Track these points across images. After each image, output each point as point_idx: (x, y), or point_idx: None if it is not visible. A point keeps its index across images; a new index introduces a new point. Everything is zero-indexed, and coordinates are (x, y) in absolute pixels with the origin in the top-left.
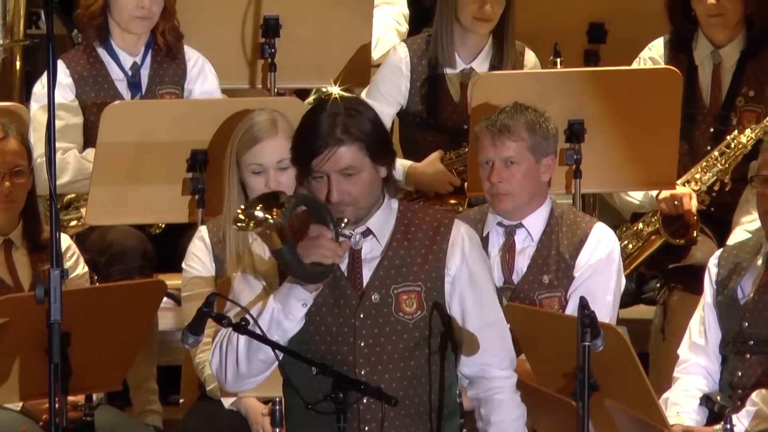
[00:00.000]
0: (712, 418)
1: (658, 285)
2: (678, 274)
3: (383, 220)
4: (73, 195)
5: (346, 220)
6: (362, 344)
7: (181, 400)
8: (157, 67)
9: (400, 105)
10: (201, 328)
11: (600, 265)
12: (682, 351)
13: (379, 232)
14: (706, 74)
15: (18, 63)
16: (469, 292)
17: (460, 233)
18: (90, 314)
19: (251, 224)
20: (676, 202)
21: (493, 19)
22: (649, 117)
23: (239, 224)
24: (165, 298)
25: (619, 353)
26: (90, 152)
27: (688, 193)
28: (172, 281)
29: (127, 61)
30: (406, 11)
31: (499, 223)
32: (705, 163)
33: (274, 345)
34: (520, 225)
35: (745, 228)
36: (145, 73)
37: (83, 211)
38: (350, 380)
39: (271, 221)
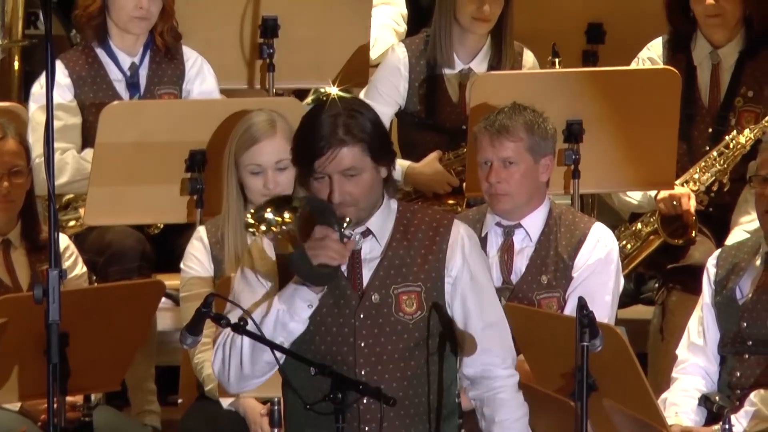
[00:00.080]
0: (711, 419)
1: (657, 285)
2: (676, 275)
3: (383, 220)
4: (71, 195)
5: (348, 220)
6: (362, 344)
7: (179, 401)
8: (155, 68)
9: (399, 105)
10: (199, 328)
11: (598, 266)
12: (681, 351)
13: (379, 232)
14: (704, 74)
15: (16, 63)
16: (470, 293)
17: (460, 233)
18: (88, 314)
19: (262, 228)
20: (674, 203)
21: (491, 19)
22: (647, 117)
23: (251, 229)
24: (163, 299)
25: (617, 353)
26: (88, 152)
27: (686, 193)
28: (170, 281)
29: (126, 61)
30: (405, 11)
31: (498, 224)
32: (704, 164)
33: (272, 345)
34: (519, 225)
35: (743, 228)
36: (143, 74)
37: (82, 211)
38: (349, 380)
39: (285, 228)
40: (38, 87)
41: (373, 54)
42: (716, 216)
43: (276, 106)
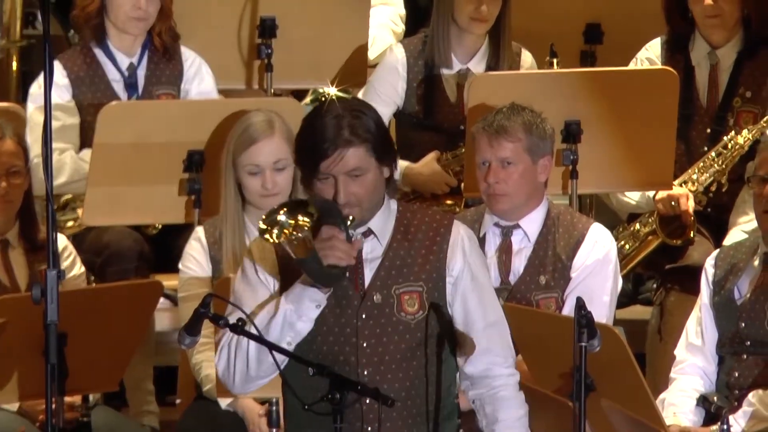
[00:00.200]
0: (709, 419)
1: (655, 285)
2: (675, 275)
3: (384, 220)
4: (69, 195)
5: (351, 218)
6: (365, 344)
7: (177, 401)
8: (153, 68)
9: (397, 105)
10: (197, 328)
11: (597, 266)
12: (679, 351)
13: (380, 232)
14: (703, 75)
15: (14, 63)
16: (471, 292)
17: (460, 234)
18: (87, 315)
19: (274, 232)
20: (673, 203)
21: (489, 19)
22: (645, 118)
23: (265, 235)
24: (162, 299)
25: (615, 354)
26: (87, 153)
27: (685, 193)
28: (168, 282)
29: (124, 61)
30: (403, 12)
31: (496, 224)
32: (702, 164)
33: (271, 346)
34: (517, 226)
35: (741, 228)
36: (141, 74)
37: (80, 211)
38: (347, 381)
39: (301, 235)
40: (36, 87)
41: (372, 54)
42: (714, 216)
43: (274, 107)
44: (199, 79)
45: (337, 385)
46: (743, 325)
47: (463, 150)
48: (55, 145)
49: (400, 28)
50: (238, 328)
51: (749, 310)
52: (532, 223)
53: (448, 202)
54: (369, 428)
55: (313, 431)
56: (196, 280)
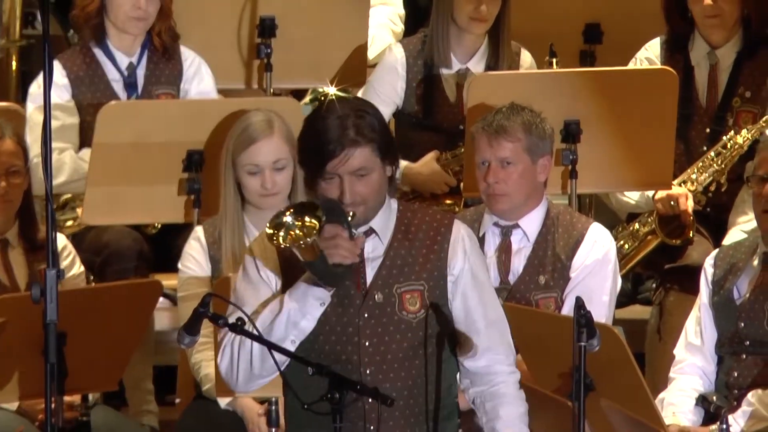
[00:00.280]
0: (708, 419)
1: (654, 285)
2: (674, 275)
3: (385, 219)
4: (69, 195)
5: (352, 213)
6: (367, 344)
7: (177, 400)
8: (153, 68)
9: (396, 105)
10: (197, 328)
11: (596, 266)
12: (678, 351)
13: (382, 231)
14: (702, 75)
15: (14, 63)
16: (472, 290)
17: (461, 233)
18: (86, 314)
19: (281, 235)
20: (672, 203)
21: (488, 19)
22: (645, 117)
23: (274, 240)
24: (161, 298)
25: (615, 353)
26: (86, 152)
27: (684, 193)
28: (168, 281)
29: (124, 61)
30: (402, 11)
31: (496, 224)
32: (701, 164)
33: (271, 345)
34: (516, 225)
35: (741, 228)
36: (141, 74)
37: (79, 211)
38: (346, 380)
39: (309, 240)
40: (36, 87)
41: (371, 54)
42: (714, 216)
43: (273, 106)
44: (199, 79)
45: (336, 384)
46: (742, 324)
47: (463, 150)
48: (54, 144)
49: (400, 27)
50: (238, 328)
51: (748, 309)
52: (531, 223)
53: (448, 201)
54: (371, 427)
55: (314, 431)
56: (196, 279)
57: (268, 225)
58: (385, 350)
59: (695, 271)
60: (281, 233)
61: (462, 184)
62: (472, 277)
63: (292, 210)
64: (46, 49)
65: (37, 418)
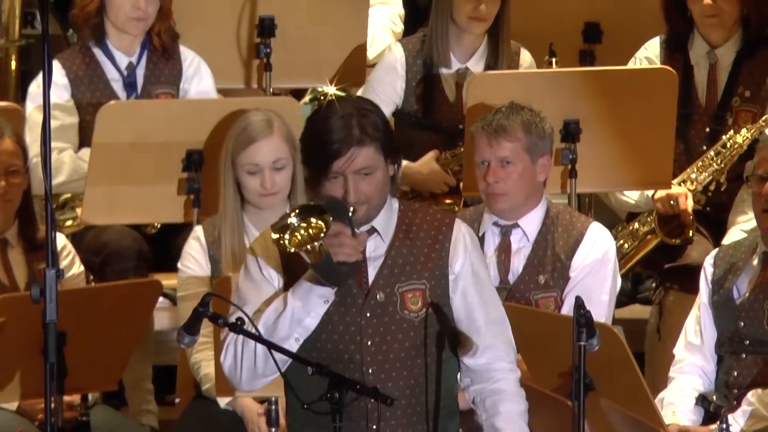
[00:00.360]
0: (708, 418)
1: (654, 285)
2: (674, 274)
3: (387, 218)
4: (68, 195)
5: (353, 209)
6: (369, 343)
7: (176, 400)
8: (152, 67)
9: (396, 105)
10: (196, 328)
11: (596, 265)
12: (678, 351)
13: (384, 230)
14: (701, 74)
15: (13, 63)
16: (472, 288)
17: (462, 231)
18: (86, 314)
19: (286, 237)
20: (671, 202)
21: (488, 18)
22: (644, 117)
23: (281, 242)
24: (161, 298)
25: (614, 353)
26: (85, 152)
27: (683, 192)
28: (167, 281)
29: (123, 60)
30: (402, 11)
31: (495, 223)
32: (701, 163)
33: (270, 345)
34: (516, 225)
35: (740, 228)
36: (140, 73)
37: (79, 210)
38: (346, 380)
39: (317, 244)
40: (35, 86)
41: (371, 54)
42: (713, 215)
43: (273, 106)
44: (198, 79)
45: (336, 384)
46: (742, 324)
47: (462, 149)
48: (54, 144)
49: (399, 27)
50: (237, 328)
51: (748, 309)
52: (531, 223)
53: (447, 201)
54: (374, 426)
55: (315, 430)
56: (195, 279)
57: (273, 230)
58: (387, 349)
59: (695, 270)
60: (287, 236)
61: (461, 184)
62: (472, 275)
63: (297, 211)
64: (45, 48)
65: (37, 417)
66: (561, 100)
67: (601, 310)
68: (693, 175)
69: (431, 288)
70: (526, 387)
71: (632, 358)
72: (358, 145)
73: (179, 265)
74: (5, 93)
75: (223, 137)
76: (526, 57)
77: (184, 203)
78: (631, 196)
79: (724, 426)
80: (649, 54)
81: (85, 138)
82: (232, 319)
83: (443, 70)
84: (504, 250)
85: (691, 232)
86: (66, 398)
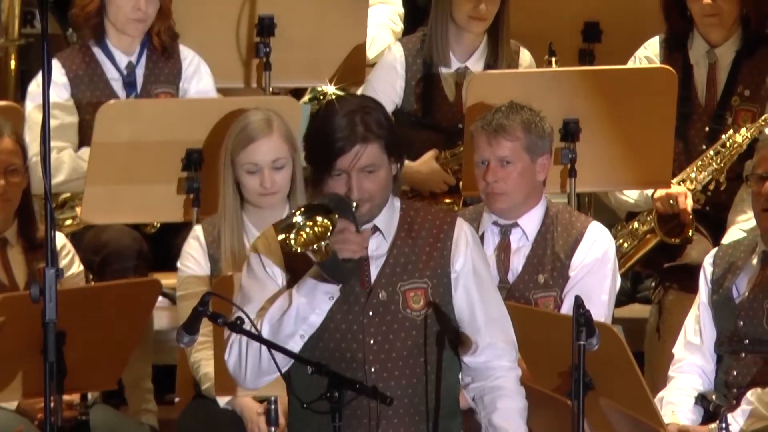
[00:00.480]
0: (708, 418)
1: (654, 284)
2: (673, 273)
3: (389, 217)
4: (68, 194)
5: (355, 205)
6: (371, 342)
7: (176, 399)
8: (152, 67)
9: (395, 104)
10: (196, 327)
11: (595, 265)
12: (678, 350)
13: (386, 229)
14: (701, 73)
15: (13, 62)
16: (473, 285)
17: (464, 230)
18: (85, 313)
19: (291, 236)
20: (671, 201)
21: (488, 18)
22: (644, 116)
23: (288, 243)
24: (160, 298)
25: (614, 352)
26: (85, 151)
27: (683, 192)
28: (167, 280)
29: (123, 60)
30: (401, 10)
31: (495, 223)
32: (700, 162)
33: (269, 344)
34: (516, 224)
35: (740, 227)
36: (140, 73)
37: (78, 210)
38: (345, 379)
39: (323, 243)
40: (35, 86)
41: (370, 53)
42: (713, 215)
43: (273, 105)
44: (198, 78)
45: (335, 383)
46: (742, 323)
47: (462, 148)
48: (53, 143)
49: (399, 27)
50: (237, 327)
51: (748, 308)
52: (530, 222)
53: (447, 200)
54: (376, 425)
55: (317, 430)
56: (195, 278)
57: (278, 229)
58: (390, 348)
59: (694, 269)
60: (292, 235)
61: (461, 183)
62: (474, 274)
63: (302, 210)
64: (45, 48)
65: (37, 417)
66: (560, 100)
67: (601, 310)
68: (692, 175)
69: (433, 287)
70: (526, 386)
71: (632, 358)
72: (362, 143)
73: (179, 264)
74: (5, 92)
75: (223, 136)
76: (525, 56)
77: (183, 203)
78: (631, 196)
79: (724, 425)
80: (649, 53)
81: (84, 137)
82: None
83: (443, 70)
84: (503, 250)
85: (690, 231)
86: (65, 397)
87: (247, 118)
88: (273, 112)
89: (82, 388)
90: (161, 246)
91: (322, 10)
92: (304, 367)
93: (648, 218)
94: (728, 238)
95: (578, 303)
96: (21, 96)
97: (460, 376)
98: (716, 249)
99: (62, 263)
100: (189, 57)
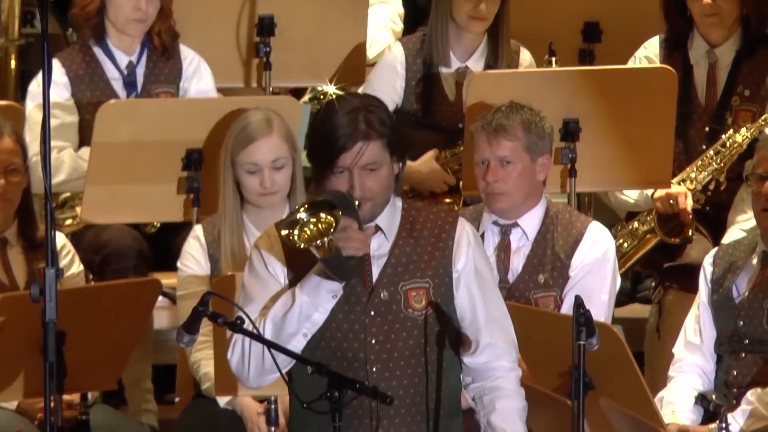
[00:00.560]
0: (708, 417)
1: (654, 284)
2: (673, 273)
3: (390, 217)
4: (68, 194)
5: (357, 203)
6: (373, 341)
7: (176, 399)
8: (152, 66)
9: (395, 104)
10: (196, 327)
11: (595, 265)
12: (678, 350)
13: (388, 229)
14: (701, 73)
15: (13, 62)
16: (475, 285)
17: (465, 230)
18: (85, 313)
19: (295, 233)
20: (671, 201)
21: (488, 18)
22: (644, 116)
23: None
24: (160, 297)
25: (614, 352)
26: (85, 151)
27: (683, 191)
28: (167, 280)
29: (123, 59)
30: (401, 10)
31: (495, 223)
32: (700, 162)
33: (269, 344)
34: (516, 224)
35: (740, 227)
36: (140, 72)
37: (78, 209)
38: (345, 379)
39: (327, 239)
40: (35, 85)
41: (371, 53)
42: (713, 215)
43: (273, 105)
44: (198, 78)
45: (335, 383)
46: (741, 323)
47: (462, 148)
48: (53, 143)
49: (399, 26)
50: (236, 326)
51: (747, 308)
52: (530, 222)
53: (447, 200)
54: (377, 425)
55: (317, 430)
56: (195, 278)
57: (281, 225)
58: (392, 348)
59: (694, 269)
60: (296, 231)
61: (461, 183)
62: (475, 273)
63: (305, 206)
64: (45, 47)
65: (37, 417)
66: (560, 100)
67: (601, 310)
68: (692, 175)
69: (435, 286)
70: (526, 386)
71: (632, 358)
72: (364, 140)
73: (179, 264)
74: (5, 92)
75: (223, 136)
76: (525, 56)
77: (183, 202)
78: (631, 195)
79: (724, 425)
80: (649, 53)
81: (84, 137)
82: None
83: (443, 69)
84: (503, 250)
85: (690, 231)
86: (65, 397)
87: (247, 118)
88: (273, 112)
89: (82, 388)
90: (161, 246)
91: (322, 10)
92: (305, 367)
93: (648, 218)
94: (728, 237)
95: (578, 303)
96: (21, 96)
97: (461, 375)
98: (716, 249)
99: (62, 263)
100: (189, 57)
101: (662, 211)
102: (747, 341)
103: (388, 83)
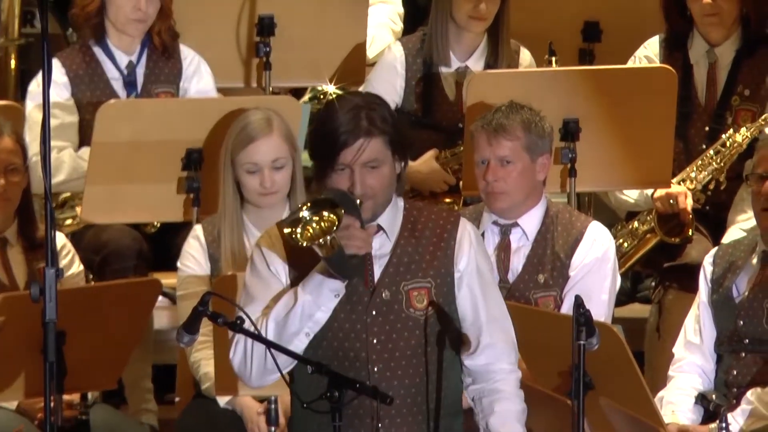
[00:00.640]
0: (708, 417)
1: (654, 284)
2: (673, 273)
3: (392, 217)
4: (68, 194)
5: (359, 201)
6: (374, 341)
7: (176, 399)
8: (152, 66)
9: (395, 104)
10: (196, 326)
11: (595, 264)
12: (678, 349)
13: (389, 228)
14: (701, 73)
15: (13, 62)
16: (476, 285)
17: (467, 230)
18: (85, 313)
19: (297, 231)
20: (671, 201)
21: (488, 17)
22: (644, 116)
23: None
24: (160, 297)
25: (614, 352)
26: (85, 151)
27: (683, 191)
28: (167, 280)
29: (123, 59)
30: (401, 10)
31: (495, 222)
32: (700, 162)
33: (269, 344)
34: (516, 224)
35: (740, 226)
36: (140, 72)
37: (78, 209)
38: (345, 379)
39: (329, 237)
40: (35, 85)
41: (371, 53)
42: (713, 214)
43: (273, 105)
44: (198, 78)
45: (335, 383)
46: (741, 323)
47: (462, 148)
48: (53, 143)
49: (399, 26)
50: (236, 326)
51: (747, 308)
52: (530, 222)
53: (447, 200)
54: (380, 425)
55: (318, 430)
56: (195, 278)
57: (284, 224)
58: (393, 347)
59: (694, 269)
60: (299, 230)
61: (461, 183)
62: (477, 273)
63: (308, 205)
64: (45, 47)
65: (37, 416)
66: (560, 99)
67: (601, 309)
68: (692, 174)
69: (437, 286)
70: (526, 386)
71: (632, 357)
72: (366, 137)
73: (179, 264)
74: (5, 92)
75: (223, 136)
76: (525, 56)
77: (183, 202)
78: (631, 195)
79: (724, 425)
80: (649, 53)
81: (84, 137)
82: (253, 315)
83: (443, 69)
84: (503, 249)
85: (690, 231)
86: (65, 397)
87: (247, 118)
88: (273, 111)
89: (82, 388)
90: (161, 246)
91: (322, 10)
92: (306, 367)
93: (648, 218)
94: (728, 237)
95: (578, 303)
96: (21, 95)
97: (462, 376)
98: (716, 248)
99: (62, 263)
100: (189, 56)
101: (662, 210)
102: (747, 341)
103: (388, 83)
